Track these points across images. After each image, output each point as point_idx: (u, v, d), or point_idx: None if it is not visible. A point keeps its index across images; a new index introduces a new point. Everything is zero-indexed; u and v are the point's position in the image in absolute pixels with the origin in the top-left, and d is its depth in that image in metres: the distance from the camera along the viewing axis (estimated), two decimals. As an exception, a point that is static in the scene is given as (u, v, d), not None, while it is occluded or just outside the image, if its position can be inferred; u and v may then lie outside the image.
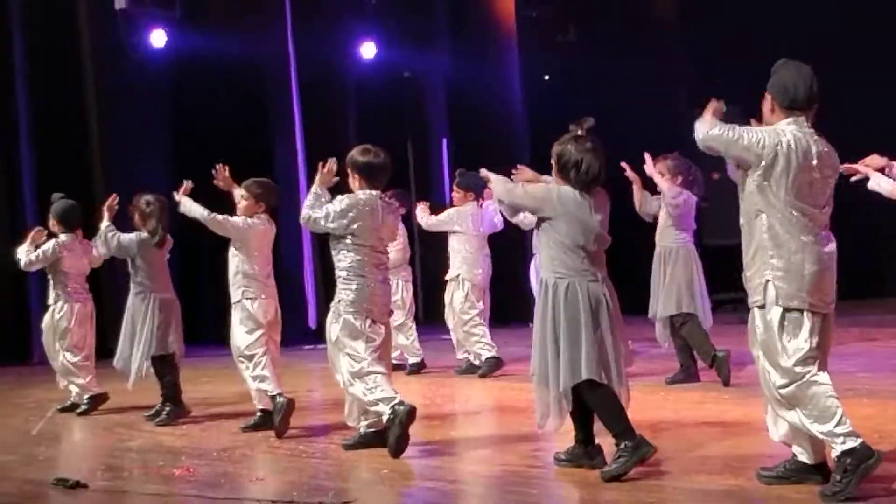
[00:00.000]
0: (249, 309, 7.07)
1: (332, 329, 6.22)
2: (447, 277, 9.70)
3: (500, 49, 14.51)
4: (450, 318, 9.70)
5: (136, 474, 6.04)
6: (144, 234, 7.79)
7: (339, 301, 6.20)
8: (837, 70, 12.37)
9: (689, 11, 14.20)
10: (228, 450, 6.57)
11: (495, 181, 5.66)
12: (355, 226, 6.16)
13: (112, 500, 5.57)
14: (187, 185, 7.49)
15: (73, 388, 8.35)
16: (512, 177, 5.77)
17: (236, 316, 7.11)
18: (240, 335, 7.07)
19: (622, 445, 5.26)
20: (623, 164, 8.09)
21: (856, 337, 10.29)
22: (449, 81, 15.21)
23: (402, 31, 14.62)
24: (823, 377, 4.69)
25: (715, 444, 6.04)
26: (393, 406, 6.00)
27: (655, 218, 8.37)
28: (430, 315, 13.23)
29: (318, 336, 13.08)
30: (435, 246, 10.20)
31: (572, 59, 15.37)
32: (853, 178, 5.81)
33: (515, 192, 5.57)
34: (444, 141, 15.42)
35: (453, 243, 9.66)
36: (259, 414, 7.15)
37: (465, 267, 9.58)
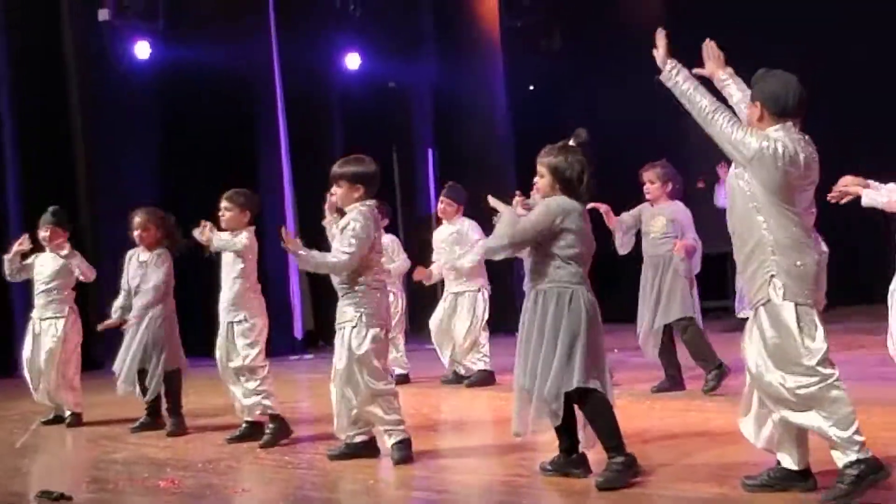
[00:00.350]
0: (252, 322, 7.04)
1: (359, 342, 6.07)
2: (466, 289, 9.51)
3: (485, 59, 14.53)
4: (456, 330, 9.49)
5: (120, 486, 6.01)
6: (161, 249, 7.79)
7: (361, 316, 6.09)
8: (828, 71, 12.46)
9: (674, 18, 14.21)
10: (213, 461, 6.55)
11: (501, 226, 5.45)
12: (373, 238, 6.16)
13: (96, 513, 5.54)
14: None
15: (59, 403, 8.30)
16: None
17: (237, 329, 7.02)
18: (243, 348, 7.01)
19: (616, 460, 5.27)
20: (596, 205, 7.94)
21: (843, 344, 10.30)
22: (434, 91, 15.24)
23: (386, 41, 14.64)
24: (842, 384, 4.69)
25: (700, 453, 6.03)
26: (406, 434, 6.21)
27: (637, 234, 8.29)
28: (415, 327, 13.22)
29: (305, 346, 13.12)
30: (415, 258, 10.16)
31: (557, 68, 15.41)
32: (843, 201, 5.76)
33: (524, 228, 5.40)
34: (430, 151, 15.45)
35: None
36: (245, 425, 7.12)
37: (484, 277, 9.55)
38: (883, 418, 6.50)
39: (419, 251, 11.03)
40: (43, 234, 8.34)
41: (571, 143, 5.48)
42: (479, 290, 9.51)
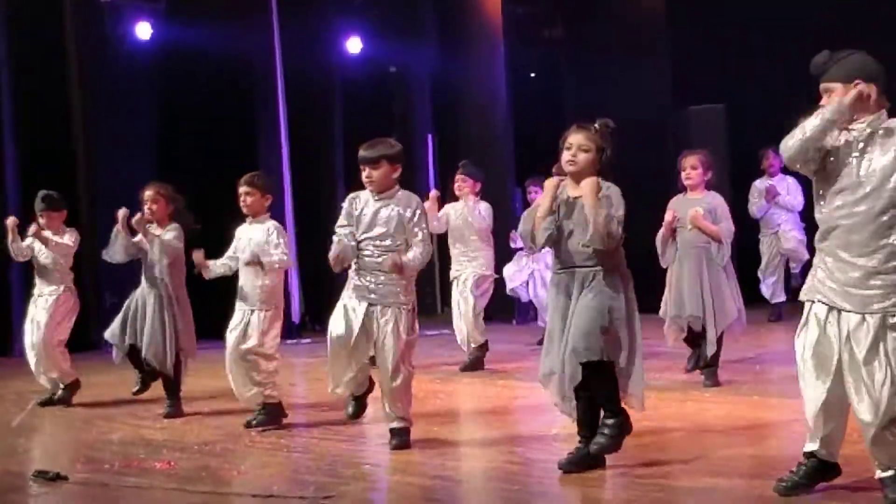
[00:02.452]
0: (276, 310, 7.03)
1: (410, 327, 6.13)
2: (483, 273, 9.55)
3: (486, 46, 14.51)
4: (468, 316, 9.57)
5: (116, 467, 6.01)
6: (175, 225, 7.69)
7: (412, 303, 6.17)
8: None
9: (675, 8, 14.20)
10: (209, 443, 6.56)
11: (608, 223, 5.23)
12: None
13: (92, 493, 5.55)
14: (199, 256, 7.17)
15: (51, 378, 8.30)
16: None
17: (264, 315, 6.95)
18: (271, 335, 7.00)
19: (609, 421, 5.32)
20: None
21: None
22: (435, 77, 15.22)
23: (388, 26, 14.62)
24: None
25: (697, 443, 6.06)
26: None
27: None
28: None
29: (301, 331, 13.12)
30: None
31: (558, 57, 15.39)
32: None
33: (620, 219, 5.29)
34: (430, 137, 15.44)
35: (484, 241, 9.59)
36: (263, 409, 7.04)
37: (491, 267, 9.60)
38: None
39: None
40: (44, 221, 8.29)
41: (597, 126, 5.38)
42: (490, 276, 9.59)
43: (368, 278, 6.09)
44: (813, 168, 4.62)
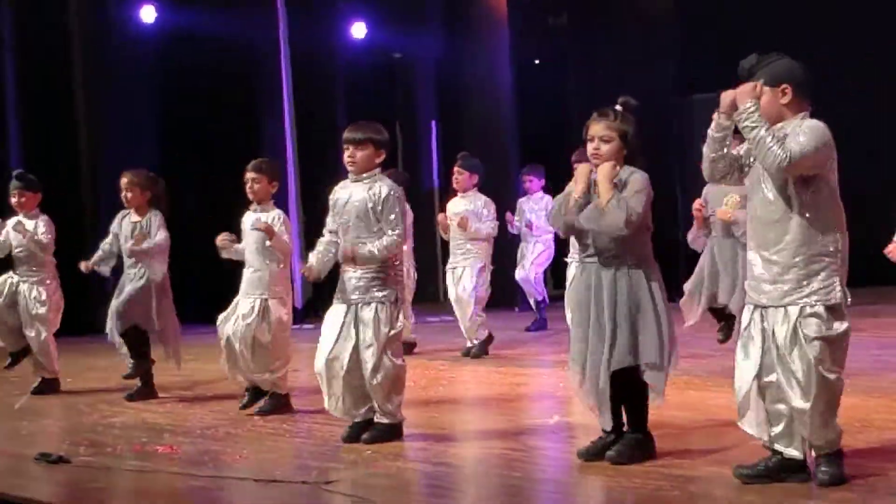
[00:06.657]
0: (286, 297, 6.98)
1: (391, 320, 5.93)
2: (478, 265, 9.52)
3: (491, 33, 14.49)
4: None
5: (119, 451, 6.03)
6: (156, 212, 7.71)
7: (394, 294, 5.94)
8: (831, 60, 12.41)
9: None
10: (212, 428, 6.58)
11: (614, 210, 5.07)
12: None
13: (94, 476, 5.56)
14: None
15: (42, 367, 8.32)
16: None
17: (274, 303, 6.91)
18: (283, 324, 6.96)
19: (634, 435, 5.28)
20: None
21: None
22: (439, 64, 15.22)
23: (393, 12, 14.61)
24: None
25: (698, 431, 6.07)
26: None
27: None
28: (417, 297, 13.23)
29: (305, 316, 13.12)
30: (418, 232, 10.17)
31: (563, 45, 15.36)
32: None
33: (642, 206, 5.14)
34: (434, 124, 15.43)
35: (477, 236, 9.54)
36: (270, 398, 7.05)
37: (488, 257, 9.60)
38: (880, 402, 6.53)
39: (421, 225, 11.04)
40: (15, 200, 8.28)
41: (618, 108, 5.28)
42: (483, 266, 9.52)
43: (348, 274, 5.95)
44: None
